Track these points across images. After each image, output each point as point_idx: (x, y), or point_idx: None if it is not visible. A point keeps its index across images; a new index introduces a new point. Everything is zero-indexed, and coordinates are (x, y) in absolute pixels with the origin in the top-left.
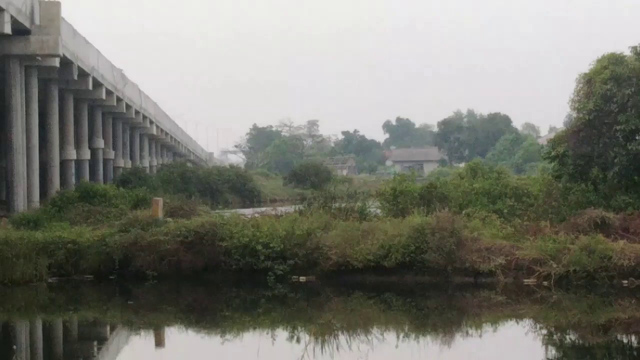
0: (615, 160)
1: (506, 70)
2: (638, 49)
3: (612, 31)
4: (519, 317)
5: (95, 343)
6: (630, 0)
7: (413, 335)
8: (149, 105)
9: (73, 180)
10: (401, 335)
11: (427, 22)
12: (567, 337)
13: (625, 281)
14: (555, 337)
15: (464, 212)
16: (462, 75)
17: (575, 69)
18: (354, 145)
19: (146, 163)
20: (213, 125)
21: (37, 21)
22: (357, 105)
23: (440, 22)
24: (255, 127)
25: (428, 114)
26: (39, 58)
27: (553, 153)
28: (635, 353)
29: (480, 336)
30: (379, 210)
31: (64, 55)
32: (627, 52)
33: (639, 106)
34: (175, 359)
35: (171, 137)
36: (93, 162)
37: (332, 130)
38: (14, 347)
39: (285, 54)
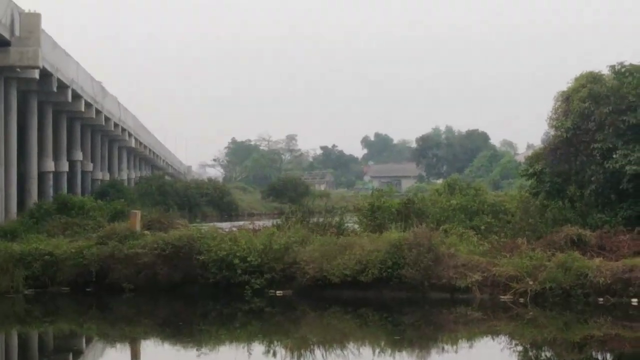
0: (592, 179)
1: (484, 88)
2: (616, 68)
3: (591, 50)
4: (495, 333)
5: (70, 355)
6: (609, 20)
7: (389, 351)
8: (128, 117)
9: (51, 192)
10: (377, 351)
11: (405, 39)
12: (543, 353)
13: (601, 299)
14: (530, 353)
15: (441, 228)
16: (440, 92)
17: (553, 87)
18: (332, 160)
19: (124, 176)
20: (192, 138)
21: (17, 32)
22: (336, 121)
23: (419, 39)
24: (233, 141)
25: (406, 130)
26: (19, 69)
27: (530, 170)
28: None
29: (456, 352)
30: (356, 226)
31: (43, 67)
32: (606, 71)
33: (616, 125)
34: None
35: (150, 150)
36: (71, 175)
37: (310, 145)
38: None
39: (264, 68)
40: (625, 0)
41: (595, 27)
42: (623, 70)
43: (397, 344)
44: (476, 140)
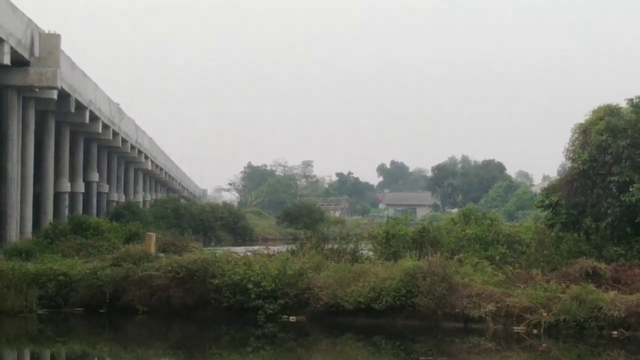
0: (609, 211)
1: (501, 118)
2: (634, 101)
3: (609, 83)
4: None
5: None
6: (627, 53)
7: None
8: (144, 140)
9: (66, 212)
10: None
11: (422, 68)
12: None
13: (615, 332)
14: None
15: (455, 257)
16: (457, 122)
17: (571, 119)
18: (348, 187)
19: (140, 198)
20: (208, 162)
21: (36, 53)
22: (352, 148)
23: (436, 68)
24: (249, 166)
25: (422, 159)
26: (37, 90)
27: (546, 202)
28: None
29: None
30: (371, 253)
31: (61, 87)
32: (623, 104)
33: (633, 158)
34: None
35: (165, 172)
36: (87, 195)
37: (326, 171)
38: None
39: (281, 94)
40: None
41: (614, 60)
42: (636, 104)
43: None
44: (492, 171)
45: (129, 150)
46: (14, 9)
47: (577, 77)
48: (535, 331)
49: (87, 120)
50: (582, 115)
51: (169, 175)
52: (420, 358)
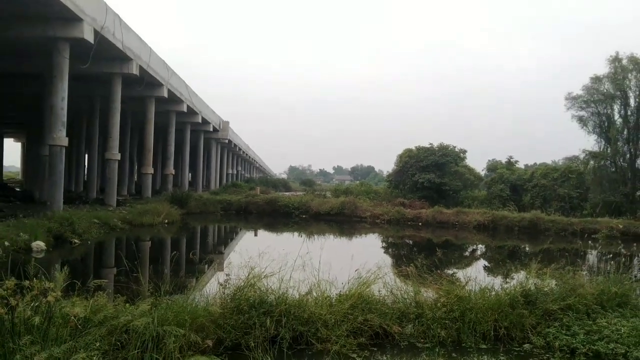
0: (409, 182)
1: (374, 140)
2: (416, 148)
3: (418, 132)
4: (374, 232)
5: (234, 233)
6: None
7: (340, 236)
8: (256, 155)
9: (230, 180)
10: (335, 235)
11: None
12: (389, 239)
13: (409, 222)
14: (385, 239)
15: (357, 197)
16: (359, 141)
17: (397, 150)
18: (323, 173)
19: (255, 175)
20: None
21: (220, 127)
22: (325, 158)
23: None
24: (290, 166)
25: (345, 164)
26: (221, 140)
27: (388, 179)
28: (394, 247)
29: (361, 238)
30: (330, 195)
31: (229, 139)
32: (414, 148)
33: (417, 166)
34: (262, 240)
35: (262, 166)
36: (236, 174)
37: (316, 167)
38: (207, 240)
39: (300, 117)
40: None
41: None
42: (418, 148)
43: (341, 234)
44: (369, 170)
45: (249, 158)
46: (213, 111)
47: (397, 131)
48: (377, 221)
49: (238, 149)
50: (401, 150)
51: (263, 167)
52: (354, 235)
